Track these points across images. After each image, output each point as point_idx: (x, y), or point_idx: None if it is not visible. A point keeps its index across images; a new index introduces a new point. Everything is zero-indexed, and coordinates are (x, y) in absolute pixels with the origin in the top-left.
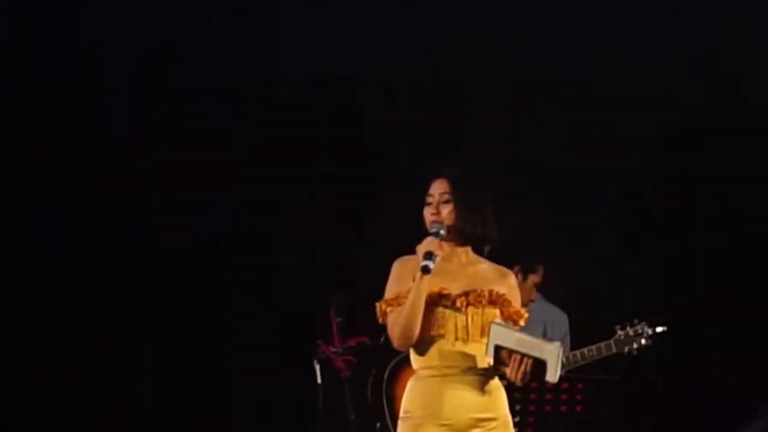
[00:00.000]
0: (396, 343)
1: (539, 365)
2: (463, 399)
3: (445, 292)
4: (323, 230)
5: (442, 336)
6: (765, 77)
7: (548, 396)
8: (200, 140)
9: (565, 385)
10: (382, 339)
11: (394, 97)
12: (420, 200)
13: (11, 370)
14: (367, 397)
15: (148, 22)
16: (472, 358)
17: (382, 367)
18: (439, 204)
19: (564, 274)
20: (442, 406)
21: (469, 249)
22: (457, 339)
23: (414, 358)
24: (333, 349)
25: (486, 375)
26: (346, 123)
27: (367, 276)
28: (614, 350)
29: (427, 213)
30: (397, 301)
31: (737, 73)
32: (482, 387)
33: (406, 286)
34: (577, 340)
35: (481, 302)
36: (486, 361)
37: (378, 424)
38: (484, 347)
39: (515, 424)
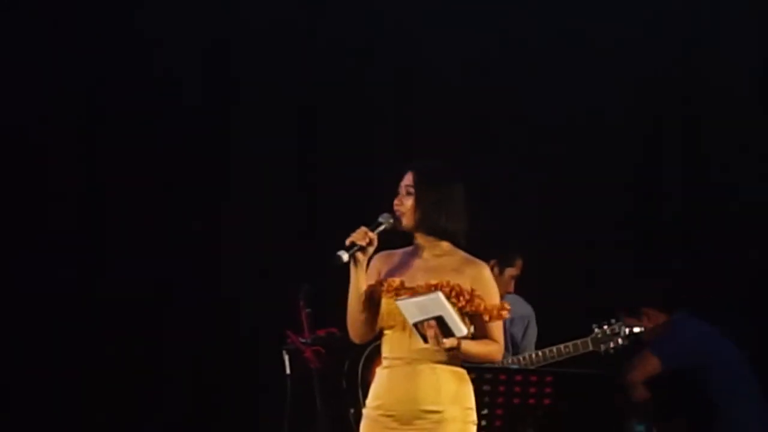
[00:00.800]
0: (349, 335)
1: (444, 326)
2: (408, 391)
3: (407, 284)
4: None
5: (392, 327)
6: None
7: (517, 389)
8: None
9: (533, 378)
10: None
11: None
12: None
13: None
14: (335, 387)
15: None
16: (424, 350)
17: (359, 353)
18: (403, 195)
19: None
20: (390, 396)
21: (443, 242)
22: (404, 329)
23: (381, 350)
24: (302, 340)
25: (443, 366)
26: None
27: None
28: (590, 348)
29: (394, 204)
30: None
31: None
32: (433, 379)
33: (372, 279)
34: (551, 335)
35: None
36: (443, 353)
37: (351, 410)
38: None
39: (484, 417)
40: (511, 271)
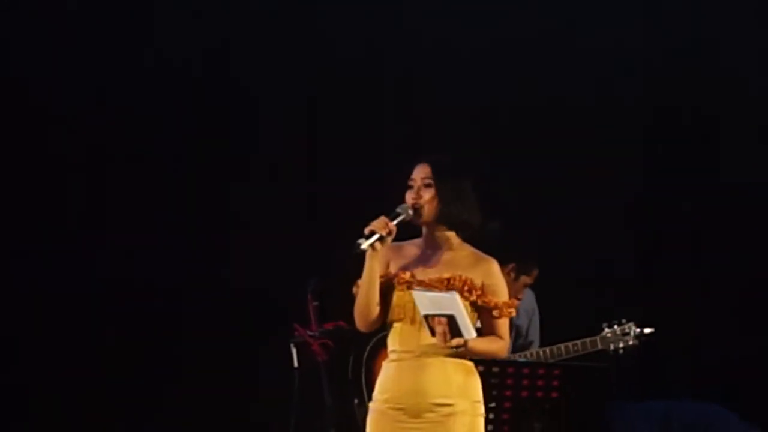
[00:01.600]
0: (357, 324)
1: (454, 325)
2: (417, 384)
3: (418, 277)
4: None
5: (402, 320)
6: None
7: (525, 382)
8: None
9: (541, 371)
10: None
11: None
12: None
13: None
14: (343, 380)
15: None
16: (433, 344)
17: (364, 344)
18: (420, 188)
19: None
20: (398, 389)
21: (452, 235)
22: (413, 323)
23: (388, 342)
24: (310, 333)
25: (452, 359)
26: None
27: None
28: (599, 347)
29: (409, 197)
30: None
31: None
32: (442, 372)
33: (382, 270)
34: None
35: (453, 289)
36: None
37: (356, 400)
38: None
39: (491, 410)
40: (525, 279)
